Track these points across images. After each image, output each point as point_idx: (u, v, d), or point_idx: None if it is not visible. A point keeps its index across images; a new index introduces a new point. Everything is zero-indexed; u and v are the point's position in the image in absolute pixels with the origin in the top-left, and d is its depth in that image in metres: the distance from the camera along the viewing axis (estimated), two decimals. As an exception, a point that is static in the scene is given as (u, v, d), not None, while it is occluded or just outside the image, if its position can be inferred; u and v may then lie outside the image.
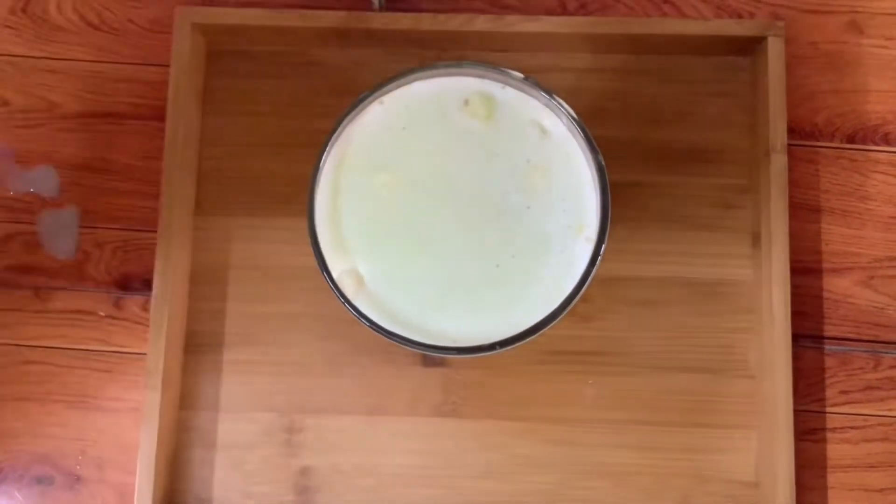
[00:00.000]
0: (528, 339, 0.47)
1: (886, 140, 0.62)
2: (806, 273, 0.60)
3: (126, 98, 0.63)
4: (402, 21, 0.60)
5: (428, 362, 0.59)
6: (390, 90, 0.50)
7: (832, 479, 0.58)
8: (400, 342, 0.47)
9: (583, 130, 0.48)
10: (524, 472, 0.58)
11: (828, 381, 0.59)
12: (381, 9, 0.61)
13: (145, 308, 0.61)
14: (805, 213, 0.61)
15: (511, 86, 0.50)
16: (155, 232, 0.59)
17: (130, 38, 0.63)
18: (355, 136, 0.50)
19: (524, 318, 0.47)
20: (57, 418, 0.60)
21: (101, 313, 0.61)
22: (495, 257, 0.49)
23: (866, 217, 0.61)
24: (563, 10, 0.63)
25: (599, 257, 0.47)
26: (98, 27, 0.64)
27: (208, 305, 0.60)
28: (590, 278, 0.47)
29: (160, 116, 0.61)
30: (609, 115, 0.61)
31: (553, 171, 0.49)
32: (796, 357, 0.58)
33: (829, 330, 0.60)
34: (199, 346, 0.60)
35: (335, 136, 0.49)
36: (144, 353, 0.59)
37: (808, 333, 0.60)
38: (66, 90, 0.63)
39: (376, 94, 0.50)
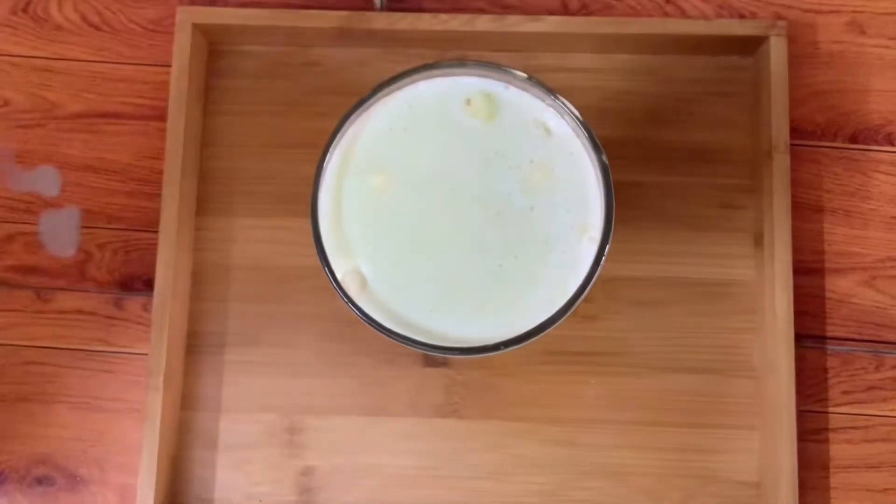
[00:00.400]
0: (532, 340, 0.46)
1: (889, 140, 0.61)
2: (808, 273, 0.60)
3: (126, 98, 0.63)
4: (403, 21, 0.60)
5: (429, 363, 0.59)
6: (392, 90, 0.50)
7: (835, 479, 0.58)
8: (404, 343, 0.47)
9: (587, 130, 0.48)
10: (526, 472, 0.58)
11: (830, 382, 0.59)
12: (382, 8, 0.61)
13: (146, 308, 0.60)
14: (807, 213, 0.61)
15: (514, 85, 0.50)
16: (156, 232, 0.59)
17: (131, 38, 0.63)
18: (358, 136, 0.50)
19: (527, 319, 0.47)
20: (58, 419, 0.60)
21: (103, 314, 0.61)
22: (498, 258, 0.48)
23: (869, 217, 0.61)
24: (565, 10, 0.63)
25: (604, 258, 0.47)
26: (99, 27, 0.63)
27: (210, 306, 0.60)
28: (594, 279, 0.46)
29: (161, 116, 0.61)
30: (611, 114, 0.61)
31: (556, 172, 0.49)
32: (799, 357, 0.58)
33: (831, 330, 0.60)
34: (200, 347, 0.60)
35: (338, 136, 0.49)
36: (146, 354, 0.59)
37: (810, 334, 0.60)
38: (67, 90, 0.63)
39: (378, 95, 0.50)
